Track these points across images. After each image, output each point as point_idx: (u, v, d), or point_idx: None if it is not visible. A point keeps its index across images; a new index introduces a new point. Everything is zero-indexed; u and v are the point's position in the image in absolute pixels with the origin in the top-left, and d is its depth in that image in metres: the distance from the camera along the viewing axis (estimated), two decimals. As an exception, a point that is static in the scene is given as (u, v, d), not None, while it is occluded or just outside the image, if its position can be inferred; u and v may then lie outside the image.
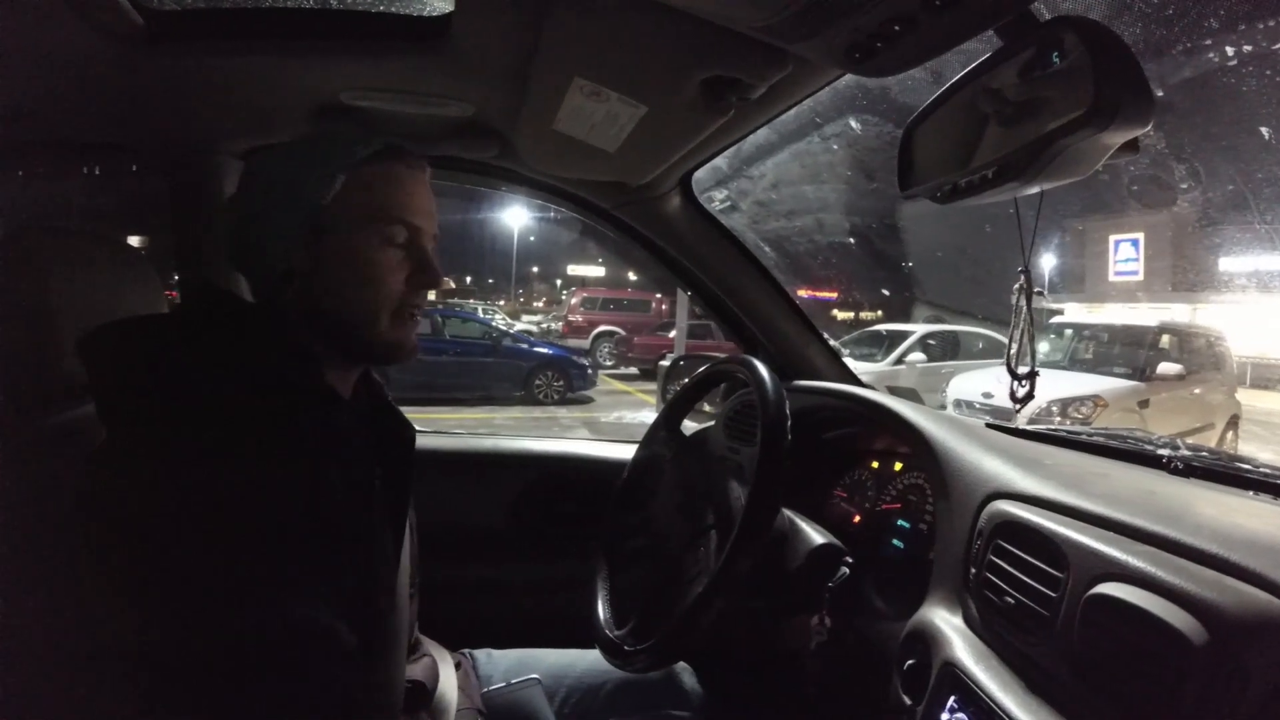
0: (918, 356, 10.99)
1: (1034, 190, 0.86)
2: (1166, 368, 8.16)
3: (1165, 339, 8.88)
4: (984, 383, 8.38)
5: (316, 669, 0.81)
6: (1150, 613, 0.70)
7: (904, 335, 11.57)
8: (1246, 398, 9.55)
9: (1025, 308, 1.05)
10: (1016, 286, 1.04)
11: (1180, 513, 0.85)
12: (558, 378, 12.53)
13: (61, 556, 0.78)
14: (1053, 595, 0.82)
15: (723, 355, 1.53)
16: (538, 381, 12.39)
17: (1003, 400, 7.16)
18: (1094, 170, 0.81)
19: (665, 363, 11.74)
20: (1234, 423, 8.94)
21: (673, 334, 15.57)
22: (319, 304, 0.96)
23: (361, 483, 0.92)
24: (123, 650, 0.75)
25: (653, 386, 13.55)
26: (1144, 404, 7.89)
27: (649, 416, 10.95)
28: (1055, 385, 7.77)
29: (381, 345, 0.99)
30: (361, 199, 0.95)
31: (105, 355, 0.87)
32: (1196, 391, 8.59)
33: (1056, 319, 10.83)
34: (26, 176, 1.84)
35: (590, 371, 13.10)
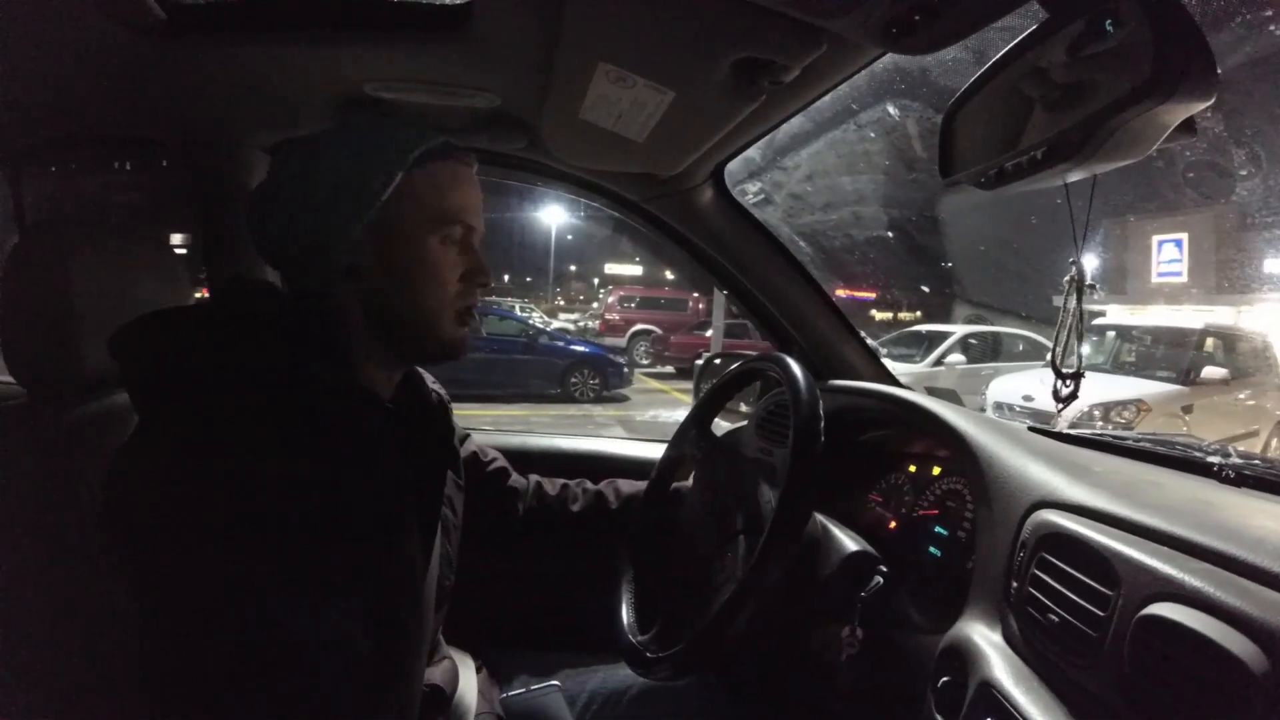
0: (957, 358, 10.88)
1: (1088, 173, 0.80)
2: (1211, 372, 8.06)
3: (1210, 342, 8.75)
4: (1024, 385, 8.30)
5: (325, 679, 0.79)
6: (1207, 637, 0.64)
7: (943, 336, 11.48)
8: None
9: (1076, 303, 0.98)
10: (1067, 279, 0.98)
11: (1238, 527, 0.79)
12: (593, 376, 12.60)
13: (79, 549, 0.77)
14: (1101, 614, 0.76)
15: (756, 353, 1.49)
16: (573, 379, 12.47)
17: (1043, 403, 7.12)
18: (1150, 152, 0.75)
19: (701, 361, 11.82)
20: (1279, 428, 8.71)
21: (709, 333, 15.57)
22: (380, 303, 0.96)
23: (389, 486, 0.89)
24: (138, 647, 0.74)
25: (689, 385, 13.54)
26: (1188, 409, 7.79)
27: (684, 415, 10.88)
28: (1097, 388, 7.67)
29: (441, 344, 1.01)
30: (423, 197, 0.95)
31: (138, 347, 0.85)
32: (1241, 396, 8.46)
33: (1098, 320, 10.65)
34: (59, 172, 1.86)
35: (626, 370, 13.15)
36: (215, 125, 1.57)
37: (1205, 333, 8.80)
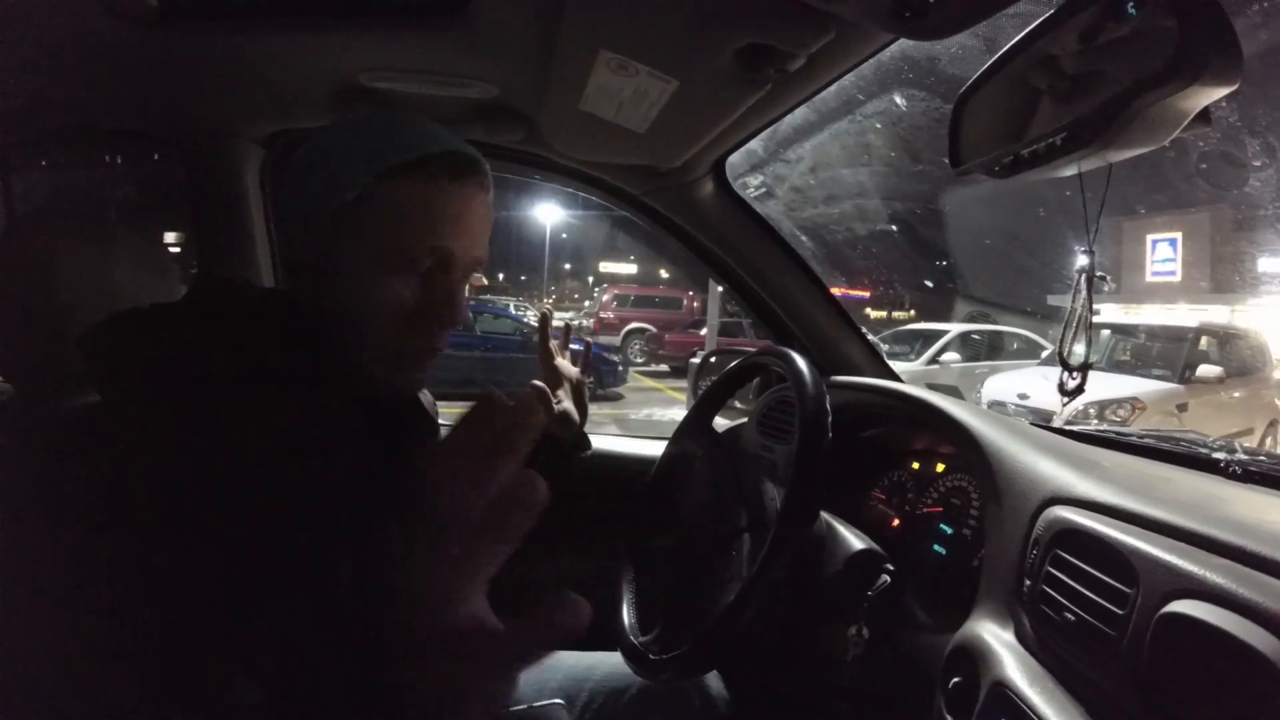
0: (952, 356, 10.88)
1: (1104, 161, 0.78)
2: (1206, 370, 7.99)
3: (1205, 340, 8.72)
4: (1020, 383, 8.28)
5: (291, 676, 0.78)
6: (1231, 634, 0.62)
7: (939, 334, 11.48)
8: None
9: (1085, 292, 0.96)
10: (1078, 268, 0.96)
11: (1255, 522, 0.77)
12: (588, 374, 12.44)
13: (69, 545, 0.75)
14: (1119, 612, 0.74)
15: (757, 349, 1.47)
16: (568, 377, 12.35)
17: (1039, 401, 7.06)
18: (1167, 141, 0.73)
19: (696, 360, 11.80)
20: (1273, 426, 8.71)
21: (704, 331, 15.56)
22: (328, 309, 0.88)
23: (359, 479, 0.87)
24: (97, 650, 0.72)
25: (683, 384, 13.53)
26: (1182, 407, 7.74)
27: (679, 414, 10.88)
28: (1092, 387, 7.55)
29: (374, 385, 0.90)
30: (387, 211, 0.83)
31: (102, 348, 0.83)
32: (1236, 395, 8.40)
33: (1094, 319, 10.61)
34: (50, 166, 1.84)
35: (620, 368, 13.12)
36: (208, 117, 1.56)
37: (1200, 331, 8.77)
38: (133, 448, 0.75)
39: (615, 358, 13.39)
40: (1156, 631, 0.69)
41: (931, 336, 11.50)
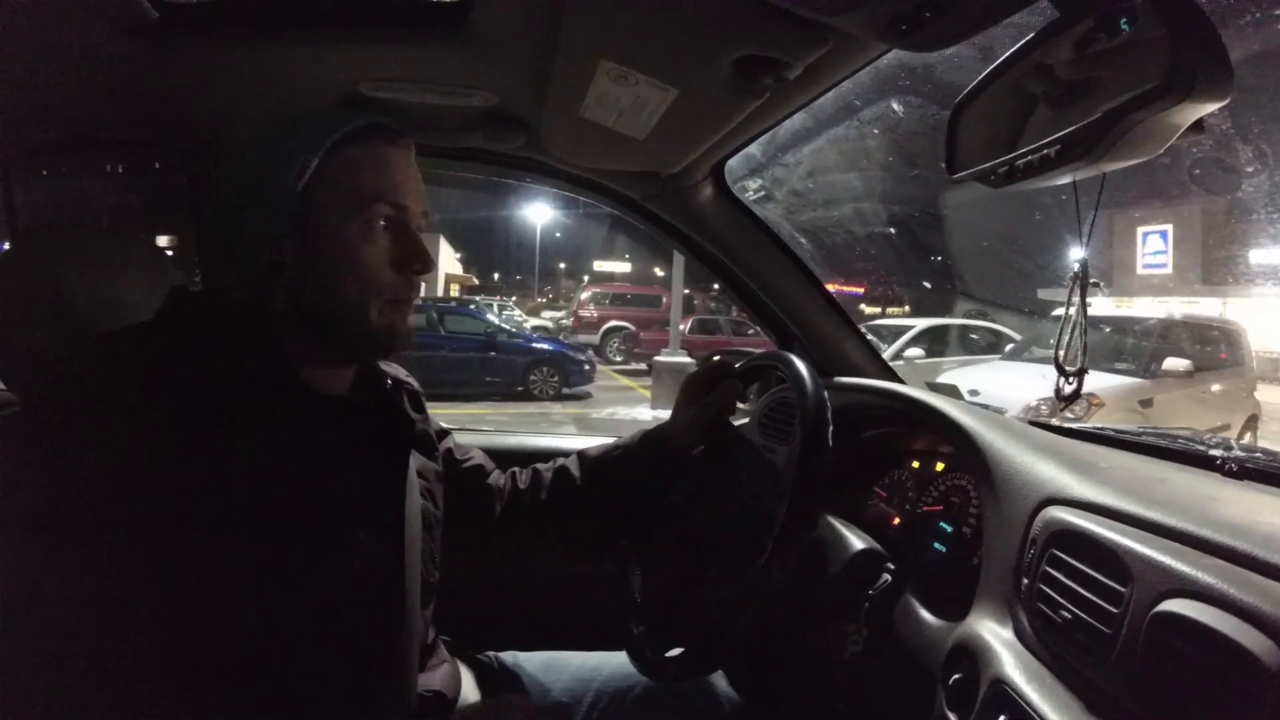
0: (916, 352, 10.77)
1: (1098, 171, 0.79)
2: (1173, 364, 7.68)
3: (1173, 332, 8.47)
4: (972, 379, 7.92)
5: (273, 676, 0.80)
6: (1221, 633, 0.64)
7: (906, 330, 11.41)
8: (1266, 395, 9.05)
9: (1080, 299, 0.98)
10: (1071, 275, 0.98)
11: (1247, 522, 0.79)
12: (553, 373, 12.59)
13: (74, 552, 0.76)
14: (1114, 611, 0.76)
15: (746, 350, 1.48)
16: (533, 377, 12.46)
17: (989, 398, 6.90)
18: (1162, 151, 0.75)
19: (659, 358, 11.69)
20: (1252, 422, 8.49)
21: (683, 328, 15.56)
22: (306, 298, 0.92)
23: (332, 482, 0.89)
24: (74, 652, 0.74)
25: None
26: (1147, 403, 7.47)
27: (645, 412, 11.10)
28: (1049, 382, 7.35)
29: (373, 337, 0.96)
30: (341, 183, 0.91)
31: (83, 375, 0.83)
32: (1214, 389, 8.20)
33: (1057, 311, 10.46)
34: (51, 176, 1.84)
35: (588, 367, 13.12)
36: (209, 127, 1.55)
37: (1168, 322, 8.59)
38: (117, 463, 0.77)
39: (581, 356, 13.28)
40: (1150, 630, 0.71)
41: (901, 333, 11.42)
